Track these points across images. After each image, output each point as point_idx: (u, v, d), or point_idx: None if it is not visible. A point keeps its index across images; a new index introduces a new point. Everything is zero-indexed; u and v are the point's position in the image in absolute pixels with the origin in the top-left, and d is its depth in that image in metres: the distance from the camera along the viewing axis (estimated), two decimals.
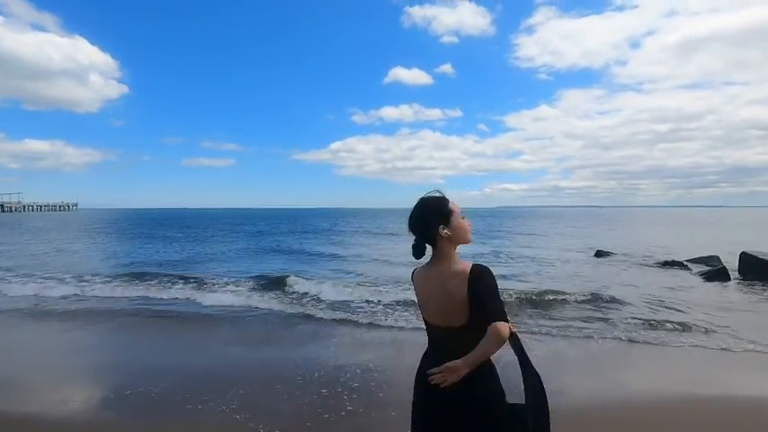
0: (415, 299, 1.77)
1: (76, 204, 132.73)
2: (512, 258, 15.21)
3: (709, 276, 10.39)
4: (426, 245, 1.67)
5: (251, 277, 10.35)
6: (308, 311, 7.05)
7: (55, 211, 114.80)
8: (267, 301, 7.76)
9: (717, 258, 12.44)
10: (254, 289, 9.03)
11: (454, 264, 1.62)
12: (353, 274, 11.86)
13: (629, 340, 5.54)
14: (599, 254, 15.49)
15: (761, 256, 10.47)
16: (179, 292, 8.66)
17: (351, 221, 48.03)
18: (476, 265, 1.59)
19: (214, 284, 9.50)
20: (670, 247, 18.22)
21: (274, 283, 9.46)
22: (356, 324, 6.28)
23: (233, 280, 10.07)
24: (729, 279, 10.08)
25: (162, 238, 25.35)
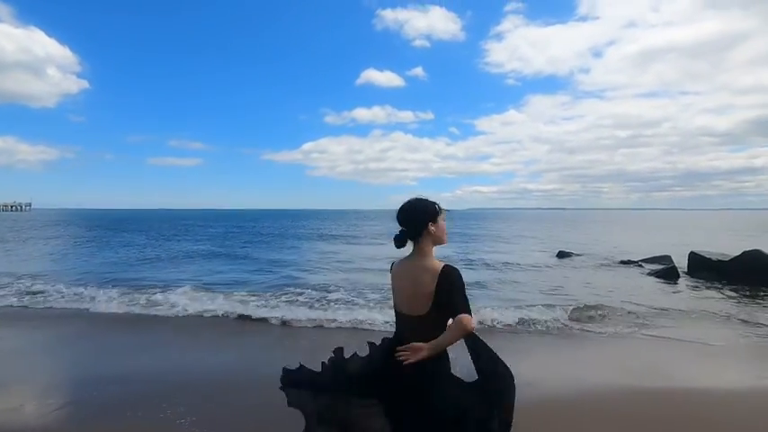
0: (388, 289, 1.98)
1: (30, 204, 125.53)
2: (476, 259, 15.47)
3: (659, 275, 10.91)
4: (409, 239, 1.87)
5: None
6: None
7: (6, 211, 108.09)
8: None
9: (668, 258, 13.07)
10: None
11: (430, 260, 1.83)
12: (261, 284, 10.28)
13: (570, 335, 5.74)
14: (561, 254, 15.98)
15: (707, 256, 11.09)
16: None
17: (318, 223, 47.53)
18: (447, 265, 1.80)
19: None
20: (628, 247, 19.03)
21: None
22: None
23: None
24: (678, 277, 10.62)
25: (102, 240, 23.81)
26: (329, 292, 8.60)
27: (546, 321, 6.39)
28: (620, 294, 8.62)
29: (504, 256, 16.04)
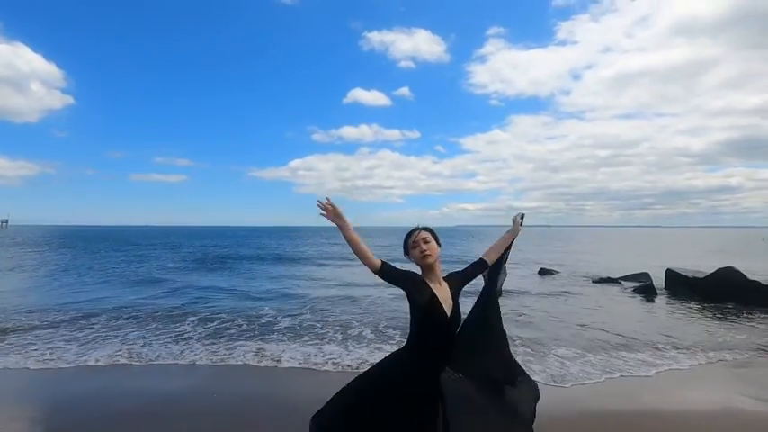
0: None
1: (6, 221, 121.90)
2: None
3: (637, 291, 10.95)
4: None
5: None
6: None
7: None
8: None
9: (646, 275, 13.18)
10: None
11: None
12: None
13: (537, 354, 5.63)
14: (542, 272, 16.00)
15: (683, 273, 11.19)
16: None
17: (299, 242, 46.96)
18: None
19: None
20: (608, 264, 19.23)
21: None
22: None
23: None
24: (656, 294, 10.67)
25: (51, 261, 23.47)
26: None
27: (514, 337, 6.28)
28: (598, 312, 8.60)
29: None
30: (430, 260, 2.06)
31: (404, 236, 2.17)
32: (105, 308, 8.68)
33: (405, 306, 2.13)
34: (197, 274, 15.37)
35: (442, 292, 2.07)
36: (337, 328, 7.09)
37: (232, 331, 6.85)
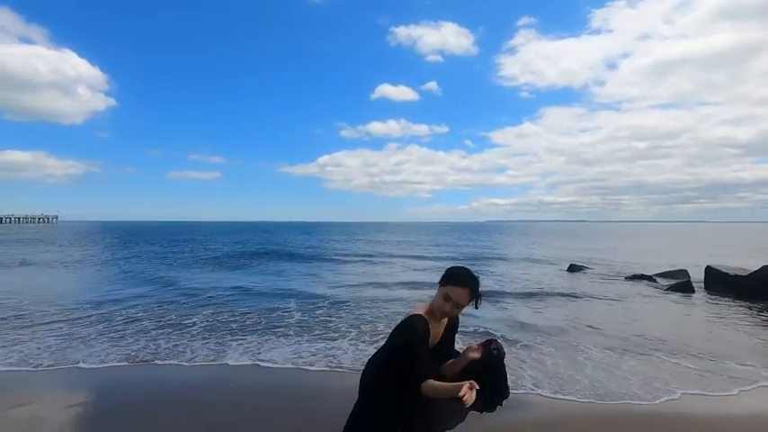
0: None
1: (56, 216, 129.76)
2: (483, 271, 15.15)
3: (672, 289, 10.44)
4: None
5: None
6: None
7: (34, 223, 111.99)
8: None
9: (685, 272, 12.56)
10: None
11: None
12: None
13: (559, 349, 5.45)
14: (572, 268, 15.51)
15: (724, 270, 10.58)
16: None
17: (327, 237, 47.55)
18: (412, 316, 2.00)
19: None
20: (644, 261, 18.43)
21: None
22: None
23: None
24: (693, 292, 10.13)
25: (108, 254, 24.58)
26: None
27: (528, 335, 6.12)
28: (633, 312, 8.26)
29: (513, 270, 15.69)
30: (445, 319, 2.05)
31: (457, 271, 1.99)
32: (121, 300, 9.11)
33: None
34: (223, 271, 15.81)
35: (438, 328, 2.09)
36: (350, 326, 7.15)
37: (239, 326, 7.03)
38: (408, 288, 11.22)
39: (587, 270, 15.22)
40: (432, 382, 1.82)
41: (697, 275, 11.49)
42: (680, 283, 10.73)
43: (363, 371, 2.09)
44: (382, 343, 2.05)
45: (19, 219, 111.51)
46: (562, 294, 10.04)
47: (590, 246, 32.22)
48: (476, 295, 1.96)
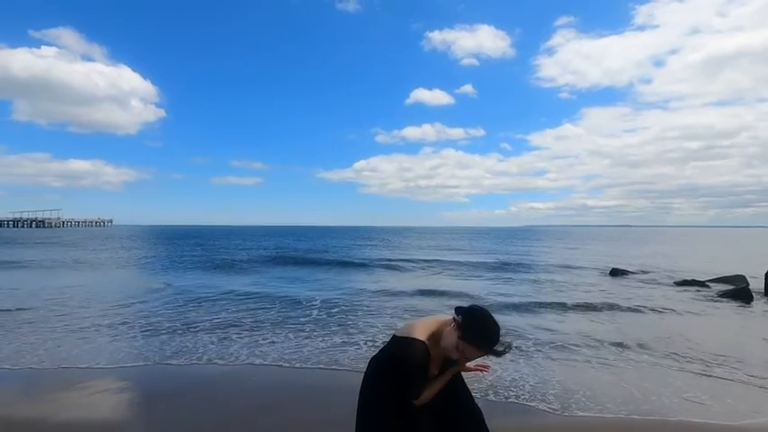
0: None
1: (111, 220, 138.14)
2: (518, 274, 14.62)
3: (727, 296, 9.63)
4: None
5: None
6: None
7: (91, 226, 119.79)
8: None
9: (742, 278, 11.58)
10: None
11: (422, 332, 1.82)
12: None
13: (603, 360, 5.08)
14: (614, 272, 14.71)
15: None
16: None
17: (362, 242, 47.81)
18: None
19: None
20: (695, 266, 17.21)
21: None
22: None
23: None
24: (752, 300, 9.30)
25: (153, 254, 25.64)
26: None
27: (567, 341, 5.76)
28: (667, 316, 7.67)
29: (549, 274, 15.05)
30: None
31: (479, 328, 1.72)
32: (148, 301, 9.46)
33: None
34: (244, 275, 16.07)
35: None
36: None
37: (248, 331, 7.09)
38: (431, 297, 10.28)
39: (630, 275, 14.37)
40: (425, 394, 1.78)
41: (756, 284, 10.54)
42: (736, 290, 9.90)
43: (365, 372, 1.99)
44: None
45: (78, 222, 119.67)
46: (607, 304, 9.19)
47: (636, 250, 30.52)
48: (493, 353, 1.75)
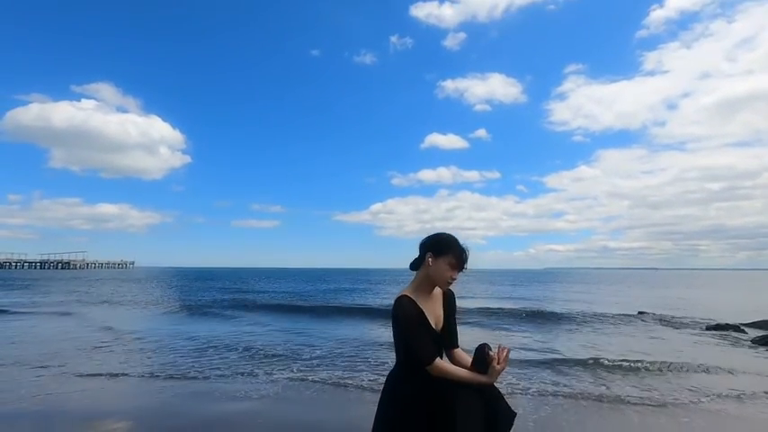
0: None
1: (133, 262, 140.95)
2: (538, 315, 13.91)
3: (763, 341, 8.90)
4: (418, 267, 1.86)
5: None
6: None
7: (114, 268, 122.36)
8: None
9: None
10: None
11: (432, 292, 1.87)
12: None
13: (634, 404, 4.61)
14: (641, 315, 13.94)
15: None
16: None
17: (375, 287, 47.18)
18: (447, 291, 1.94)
19: None
20: (727, 309, 16.20)
21: None
22: None
23: None
24: None
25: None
26: None
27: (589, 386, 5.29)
28: (695, 359, 7.04)
29: (571, 311, 14.30)
30: (439, 297, 1.93)
31: (447, 238, 1.86)
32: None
33: None
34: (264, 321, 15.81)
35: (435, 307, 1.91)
36: None
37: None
38: None
39: (658, 317, 13.56)
40: (444, 364, 1.76)
41: None
42: None
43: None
44: None
45: (102, 264, 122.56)
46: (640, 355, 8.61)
47: (662, 292, 29.17)
48: (463, 252, 1.85)
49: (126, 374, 5.95)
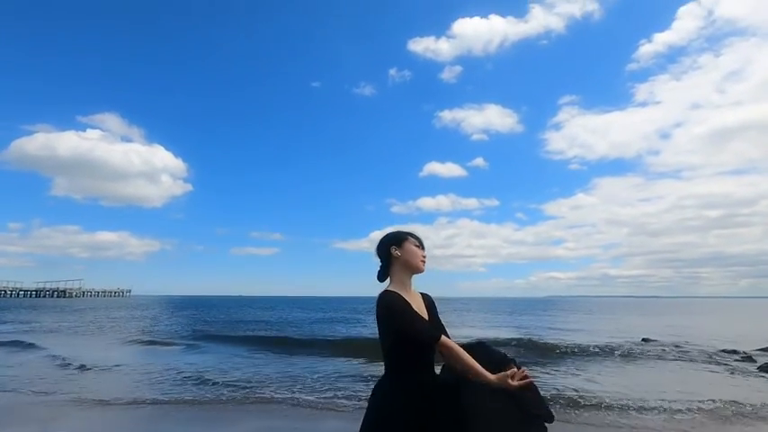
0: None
1: (130, 291, 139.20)
2: (539, 343, 13.62)
3: None
4: (387, 270, 1.85)
5: None
6: None
7: (111, 296, 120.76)
8: None
9: None
10: None
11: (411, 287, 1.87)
12: None
13: None
14: (645, 342, 13.66)
15: None
16: None
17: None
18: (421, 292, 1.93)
19: None
20: (733, 336, 15.91)
21: None
22: None
23: None
24: None
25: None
26: None
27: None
28: (705, 388, 6.85)
29: (571, 339, 14.00)
30: (418, 295, 1.91)
31: (400, 230, 1.91)
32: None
33: None
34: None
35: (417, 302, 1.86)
36: None
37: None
38: None
39: (660, 344, 13.28)
40: (453, 343, 1.71)
41: None
42: None
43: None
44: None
45: (98, 293, 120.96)
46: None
47: (665, 320, 28.71)
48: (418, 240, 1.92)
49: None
